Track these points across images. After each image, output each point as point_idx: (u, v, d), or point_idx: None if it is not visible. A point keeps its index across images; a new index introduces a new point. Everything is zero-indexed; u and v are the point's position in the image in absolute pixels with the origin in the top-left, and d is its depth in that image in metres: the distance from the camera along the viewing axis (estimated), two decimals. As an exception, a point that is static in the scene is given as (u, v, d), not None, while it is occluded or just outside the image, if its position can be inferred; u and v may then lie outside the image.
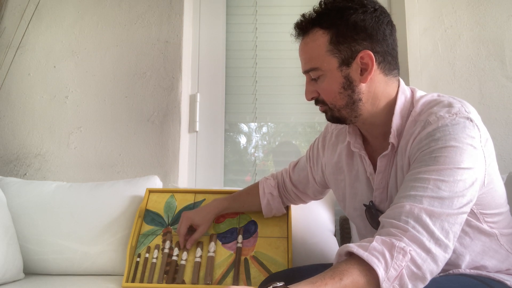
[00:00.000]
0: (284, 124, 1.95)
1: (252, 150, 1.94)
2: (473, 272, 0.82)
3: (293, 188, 1.23)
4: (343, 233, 1.56)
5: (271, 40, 1.95)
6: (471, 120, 0.76)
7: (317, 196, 1.22)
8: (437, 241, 0.68)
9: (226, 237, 1.27)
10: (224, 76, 1.92)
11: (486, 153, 0.78)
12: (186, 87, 1.86)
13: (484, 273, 0.82)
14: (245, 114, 1.94)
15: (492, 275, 0.82)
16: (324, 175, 1.11)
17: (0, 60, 1.84)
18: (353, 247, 0.68)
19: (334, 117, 0.89)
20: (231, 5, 1.98)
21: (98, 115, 1.80)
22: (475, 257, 0.83)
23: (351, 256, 0.69)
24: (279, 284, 0.64)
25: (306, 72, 0.88)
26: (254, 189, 1.27)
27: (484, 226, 0.83)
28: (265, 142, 1.96)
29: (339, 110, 0.87)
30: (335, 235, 1.44)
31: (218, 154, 1.88)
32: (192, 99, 1.90)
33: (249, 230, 1.28)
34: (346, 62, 0.83)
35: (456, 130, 0.75)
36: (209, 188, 1.45)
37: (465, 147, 0.74)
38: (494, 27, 1.76)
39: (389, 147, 0.85)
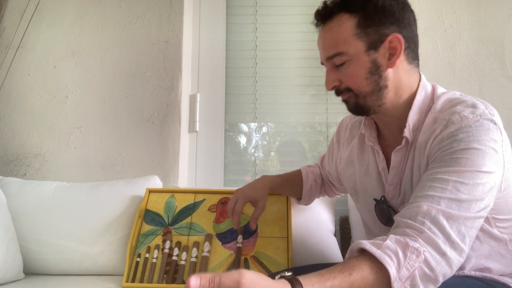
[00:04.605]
0: (284, 124, 1.95)
1: (252, 150, 1.94)
2: (478, 274, 0.81)
3: (329, 177, 1.23)
4: (343, 233, 1.56)
5: (271, 40, 1.95)
6: (495, 123, 0.75)
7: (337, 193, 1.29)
8: (452, 244, 0.67)
9: (226, 237, 1.27)
10: (224, 76, 1.92)
11: (505, 158, 0.76)
12: (186, 87, 1.86)
13: (489, 275, 0.82)
14: (245, 114, 1.94)
15: (497, 277, 0.81)
16: (338, 170, 1.10)
17: (0, 60, 1.84)
18: (366, 244, 0.67)
19: (358, 105, 0.86)
20: (231, 5, 1.98)
21: (98, 115, 1.80)
22: (480, 260, 0.82)
23: (363, 253, 0.68)
24: (288, 273, 0.63)
25: (329, 58, 0.85)
26: (299, 174, 1.25)
27: (495, 231, 0.82)
28: (265, 142, 1.96)
29: (364, 97, 0.85)
30: (335, 235, 1.44)
31: (218, 154, 1.88)
32: (192, 99, 1.90)
33: (249, 230, 1.28)
34: (373, 46, 0.82)
35: (479, 132, 0.73)
36: (209, 188, 1.45)
37: (487, 151, 0.72)
38: (494, 27, 1.76)
39: (403, 141, 0.84)
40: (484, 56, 1.75)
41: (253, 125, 1.96)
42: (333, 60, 0.85)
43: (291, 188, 1.24)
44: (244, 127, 1.98)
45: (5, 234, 1.28)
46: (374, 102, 0.85)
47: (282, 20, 1.96)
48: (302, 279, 0.62)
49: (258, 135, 1.96)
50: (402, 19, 0.83)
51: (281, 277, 0.62)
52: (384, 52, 0.82)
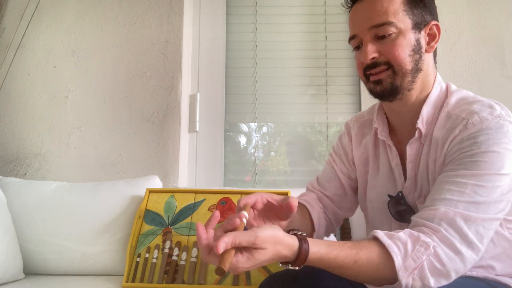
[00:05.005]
0: (284, 124, 1.95)
1: (252, 150, 1.94)
2: (479, 274, 0.81)
3: (331, 202, 1.04)
4: (343, 233, 1.56)
5: (271, 40, 1.95)
6: None
7: (353, 207, 1.06)
8: (469, 244, 0.68)
9: (226, 237, 1.27)
10: (224, 76, 1.92)
11: None
12: (186, 87, 1.86)
13: (490, 275, 0.81)
14: (245, 114, 1.94)
15: (499, 278, 0.81)
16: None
17: (0, 60, 1.84)
18: (379, 233, 0.70)
19: (394, 85, 0.83)
20: (231, 5, 1.98)
21: (98, 115, 1.80)
22: (487, 260, 0.82)
23: (376, 240, 0.70)
24: (301, 233, 0.67)
25: (375, 26, 0.82)
26: (301, 206, 0.99)
27: (505, 233, 0.82)
28: (265, 142, 1.96)
29: (403, 76, 0.83)
30: (335, 235, 1.44)
31: (218, 154, 1.88)
32: (192, 99, 1.90)
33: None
34: (418, 26, 0.83)
35: (499, 134, 0.74)
36: (209, 188, 1.45)
37: (506, 153, 0.73)
38: (494, 27, 1.76)
39: (416, 132, 0.84)
40: (484, 56, 1.75)
41: (253, 125, 1.96)
42: (378, 30, 0.82)
43: (301, 213, 0.97)
44: (244, 127, 1.98)
45: (5, 234, 1.28)
46: (408, 84, 0.84)
47: (282, 20, 1.96)
48: (312, 241, 0.66)
49: (258, 135, 1.96)
50: (436, 14, 0.87)
51: (294, 234, 0.67)
52: (424, 35, 0.84)
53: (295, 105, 1.92)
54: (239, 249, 0.62)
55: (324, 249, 0.66)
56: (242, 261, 0.62)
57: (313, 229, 0.98)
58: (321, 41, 1.92)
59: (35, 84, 1.84)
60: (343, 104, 1.88)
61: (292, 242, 0.65)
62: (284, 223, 0.83)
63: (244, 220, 0.70)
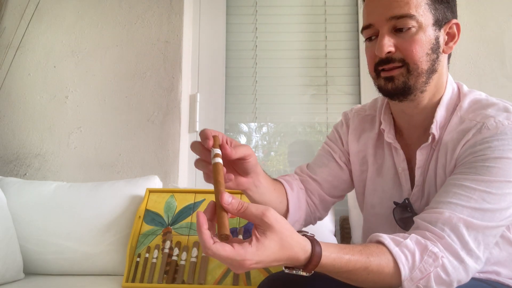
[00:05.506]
0: (284, 124, 1.95)
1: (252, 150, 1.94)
2: (482, 276, 0.80)
3: (318, 187, 0.97)
4: (343, 233, 1.56)
5: (271, 40, 1.95)
6: None
7: (343, 194, 1.01)
8: (469, 251, 0.67)
9: (226, 237, 1.27)
10: (224, 76, 1.92)
11: None
12: (186, 87, 1.86)
13: (493, 277, 0.80)
14: (245, 114, 1.94)
15: (501, 279, 0.80)
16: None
17: (0, 60, 1.84)
18: (385, 238, 0.67)
19: (407, 85, 0.78)
20: (231, 5, 1.98)
21: (98, 115, 1.80)
22: (491, 264, 0.81)
23: (382, 245, 0.67)
24: (309, 233, 0.63)
25: (394, 18, 0.76)
26: (277, 183, 0.91)
27: None
28: (265, 142, 1.96)
29: (417, 76, 0.78)
30: (335, 235, 1.44)
31: (218, 154, 1.87)
32: (192, 99, 1.90)
33: (249, 230, 1.28)
34: (438, 23, 0.78)
35: None
36: (209, 188, 1.45)
37: None
38: (494, 27, 1.76)
39: (430, 138, 0.81)
40: (484, 56, 1.75)
41: (253, 125, 1.96)
42: (397, 22, 0.76)
43: (274, 189, 0.87)
44: (244, 127, 1.98)
45: (5, 234, 1.28)
46: (421, 85, 0.79)
47: (282, 20, 1.96)
48: (323, 244, 0.62)
49: (258, 135, 1.96)
50: (457, 12, 0.82)
51: (304, 235, 0.62)
52: (443, 34, 0.80)
53: (295, 105, 1.92)
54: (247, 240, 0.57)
55: (336, 252, 0.62)
56: (251, 252, 0.54)
57: (287, 210, 0.89)
58: (321, 41, 1.92)
59: (35, 84, 1.84)
60: (343, 104, 1.88)
61: (303, 241, 0.59)
62: (244, 180, 0.74)
63: (220, 160, 0.63)
